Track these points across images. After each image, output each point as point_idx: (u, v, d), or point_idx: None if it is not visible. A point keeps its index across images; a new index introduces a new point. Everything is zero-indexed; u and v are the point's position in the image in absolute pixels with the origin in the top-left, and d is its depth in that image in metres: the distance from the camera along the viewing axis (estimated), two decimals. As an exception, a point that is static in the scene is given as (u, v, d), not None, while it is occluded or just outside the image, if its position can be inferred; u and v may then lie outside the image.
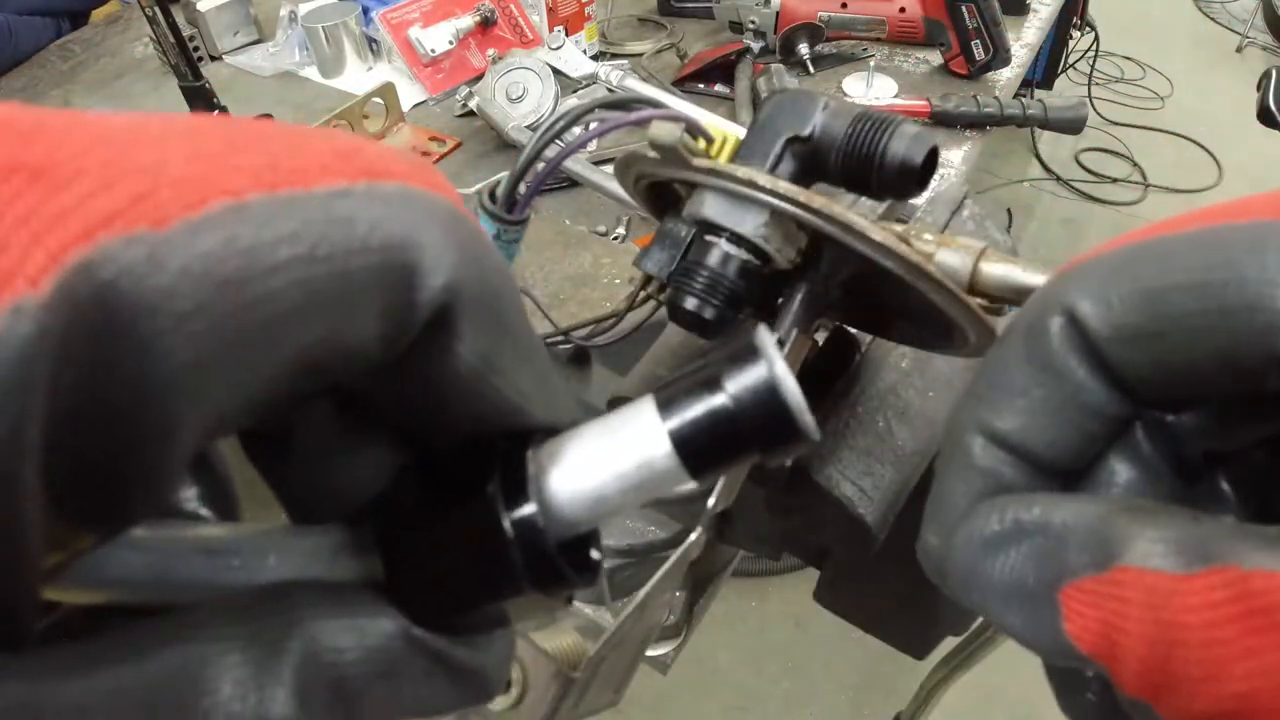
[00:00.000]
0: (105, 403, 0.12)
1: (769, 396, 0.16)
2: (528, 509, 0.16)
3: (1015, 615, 0.19)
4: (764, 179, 0.32)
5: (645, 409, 0.17)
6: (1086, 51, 2.77)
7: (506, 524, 0.16)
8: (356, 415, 0.18)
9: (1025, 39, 1.38)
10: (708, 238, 0.35)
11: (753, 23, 1.30)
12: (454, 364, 0.16)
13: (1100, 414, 0.20)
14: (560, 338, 0.55)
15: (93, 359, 0.12)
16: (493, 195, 0.48)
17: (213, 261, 0.12)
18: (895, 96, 1.21)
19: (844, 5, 1.30)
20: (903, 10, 1.30)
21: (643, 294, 0.44)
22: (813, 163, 0.36)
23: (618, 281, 0.91)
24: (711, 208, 0.34)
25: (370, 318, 0.15)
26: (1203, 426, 0.20)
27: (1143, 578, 0.16)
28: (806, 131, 0.36)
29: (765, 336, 0.17)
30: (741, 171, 0.32)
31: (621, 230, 1.03)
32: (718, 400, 0.16)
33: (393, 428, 0.18)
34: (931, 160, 0.35)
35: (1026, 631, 0.19)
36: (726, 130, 0.37)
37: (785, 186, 0.31)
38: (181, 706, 0.14)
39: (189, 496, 0.19)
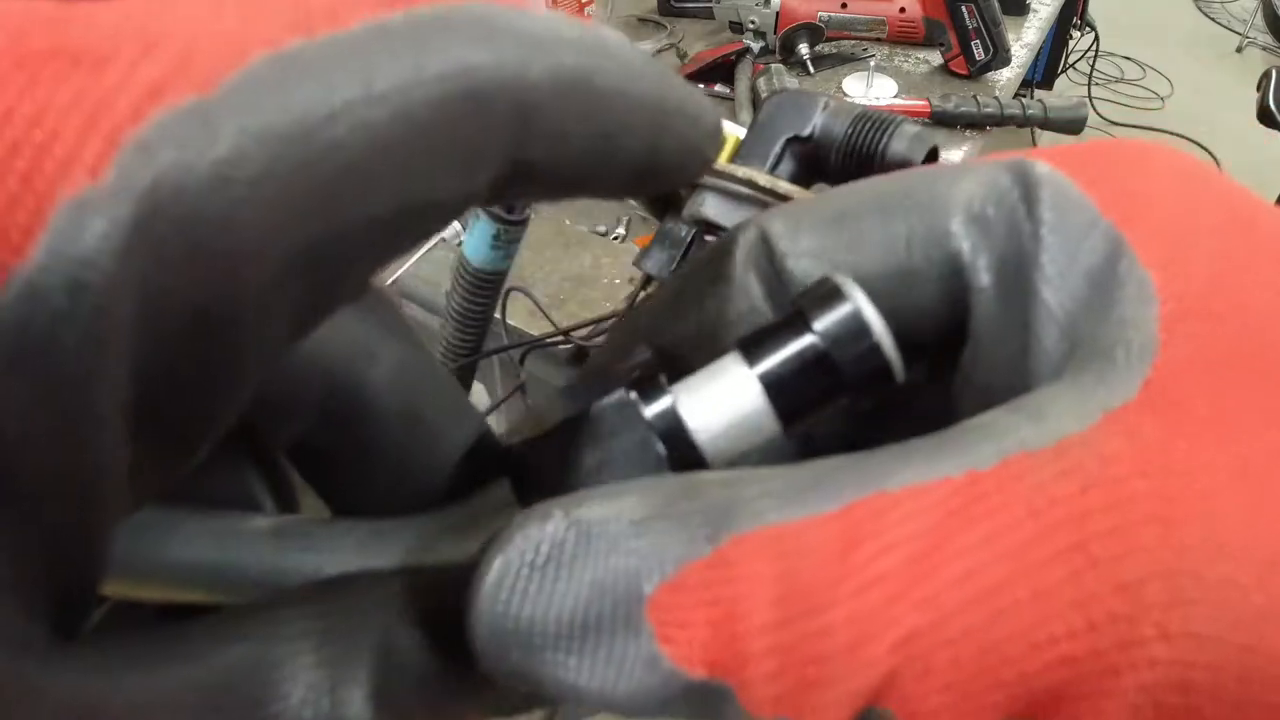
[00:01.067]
0: (189, 304, 0.11)
1: (859, 327, 0.16)
2: (666, 400, 0.16)
3: (583, 661, 0.13)
4: (764, 179, 0.32)
5: (728, 360, 0.17)
6: (1086, 51, 2.77)
7: (649, 414, 0.16)
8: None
9: (1025, 39, 1.39)
10: (708, 238, 0.35)
11: (753, 23, 1.30)
12: (564, 166, 0.15)
13: None
14: (560, 338, 0.55)
15: (168, 255, 0.11)
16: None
17: (270, 117, 0.11)
18: (895, 96, 1.22)
19: (844, 5, 1.30)
20: (903, 10, 1.30)
21: (643, 294, 0.44)
22: (813, 163, 0.36)
23: (618, 281, 0.90)
24: (712, 208, 0.34)
25: (448, 158, 0.13)
26: None
27: (766, 539, 0.13)
28: (806, 131, 0.36)
29: (846, 280, 0.17)
30: (741, 171, 0.32)
31: (621, 230, 1.03)
32: (806, 340, 0.16)
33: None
34: (931, 160, 0.35)
35: (606, 680, 0.13)
36: (726, 130, 0.37)
37: (785, 186, 0.32)
38: (250, 709, 0.13)
39: (251, 483, 0.18)
